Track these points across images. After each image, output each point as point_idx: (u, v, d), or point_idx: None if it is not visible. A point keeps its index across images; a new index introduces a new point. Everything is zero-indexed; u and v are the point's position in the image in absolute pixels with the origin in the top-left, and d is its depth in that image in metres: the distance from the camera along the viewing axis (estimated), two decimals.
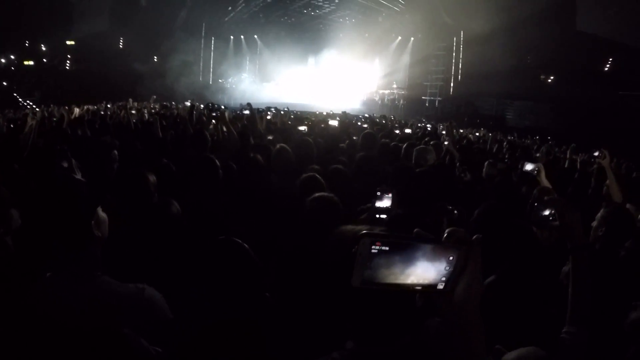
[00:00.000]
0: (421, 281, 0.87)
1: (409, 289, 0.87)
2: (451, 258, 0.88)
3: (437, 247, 0.88)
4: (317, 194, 2.56)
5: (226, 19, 30.16)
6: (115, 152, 3.72)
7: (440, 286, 0.90)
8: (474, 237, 0.91)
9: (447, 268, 0.89)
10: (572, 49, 23.61)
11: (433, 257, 0.87)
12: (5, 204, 2.21)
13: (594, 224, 3.06)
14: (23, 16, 25.19)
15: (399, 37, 30.15)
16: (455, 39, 26.75)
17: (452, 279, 0.90)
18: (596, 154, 4.44)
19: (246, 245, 1.72)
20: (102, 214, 1.68)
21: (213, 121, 7.09)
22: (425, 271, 0.87)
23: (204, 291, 1.65)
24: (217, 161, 3.48)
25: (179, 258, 2.07)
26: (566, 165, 7.09)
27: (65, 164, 3.09)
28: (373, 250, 0.83)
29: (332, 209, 2.47)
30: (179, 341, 1.56)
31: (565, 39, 23.79)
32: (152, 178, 2.75)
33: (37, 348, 1.48)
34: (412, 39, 29.42)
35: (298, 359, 1.46)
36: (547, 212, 1.87)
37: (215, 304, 1.61)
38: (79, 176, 2.70)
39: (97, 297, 1.59)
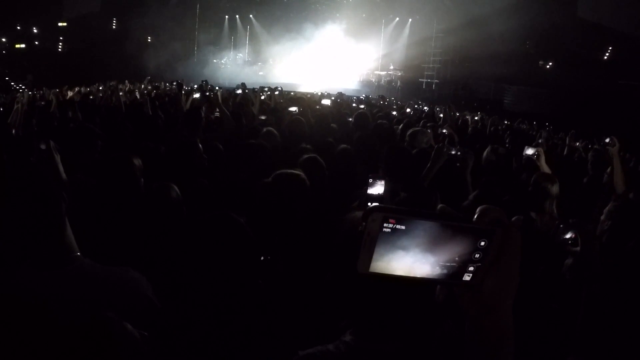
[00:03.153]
0: (443, 271, 0.70)
1: (427, 281, 0.70)
2: (482, 243, 0.70)
3: (466, 228, 0.70)
4: (280, 171, 2.46)
5: None
6: (99, 142, 3.60)
7: (467, 278, 0.72)
8: (514, 218, 0.75)
9: (477, 256, 0.71)
10: (572, 36, 23.51)
11: (460, 240, 0.69)
12: None
13: (602, 217, 2.98)
14: None
15: (397, 18, 29.80)
16: (454, 21, 26.47)
17: (482, 269, 0.72)
18: (607, 140, 4.37)
19: (242, 220, 1.60)
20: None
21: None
22: (449, 258, 0.70)
23: (196, 272, 1.55)
24: (200, 145, 3.36)
25: (173, 241, 1.98)
26: (565, 152, 7.02)
27: (44, 146, 2.97)
28: (385, 230, 0.67)
29: (297, 186, 2.39)
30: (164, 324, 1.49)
31: (565, 25, 23.67)
32: (137, 162, 2.66)
33: (15, 336, 1.40)
34: (410, 20, 29.10)
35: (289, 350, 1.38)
36: (568, 236, 1.79)
37: (206, 285, 1.51)
38: (57, 158, 2.61)
39: (77, 279, 1.55)
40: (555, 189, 3.44)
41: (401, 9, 29.06)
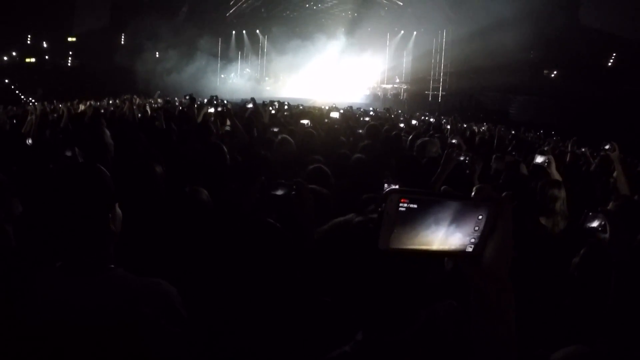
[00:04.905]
0: (449, 243, 0.81)
1: (436, 253, 0.82)
2: (480, 217, 0.82)
3: (466, 204, 0.81)
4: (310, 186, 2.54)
5: (228, 14, 30.11)
6: (109, 137, 3.67)
7: (469, 249, 0.83)
8: (504, 193, 0.84)
9: (477, 229, 0.82)
10: (575, 44, 23.51)
11: (462, 216, 0.81)
12: (4, 189, 2.16)
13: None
14: (24, 13, 25.18)
15: (402, 31, 30.05)
16: (458, 32, 26.65)
17: (481, 241, 0.83)
18: (607, 147, 4.41)
19: (279, 225, 1.67)
20: (118, 209, 1.64)
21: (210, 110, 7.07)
22: (453, 232, 0.81)
23: (233, 276, 1.59)
24: (224, 147, 3.45)
25: (205, 247, 2.03)
26: (567, 159, 7.04)
27: (69, 153, 3.06)
28: (401, 209, 0.77)
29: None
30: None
31: (568, 33, 23.68)
32: (158, 169, 2.71)
33: (44, 338, 1.45)
34: (415, 32, 29.32)
35: (310, 352, 1.42)
36: (596, 223, 1.85)
37: (244, 289, 1.56)
38: None
39: (109, 288, 1.54)
40: (562, 192, 3.51)
41: (406, 22, 29.33)
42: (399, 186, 2.41)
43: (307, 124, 6.06)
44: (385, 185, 2.37)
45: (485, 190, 0.83)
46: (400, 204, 0.77)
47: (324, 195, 2.53)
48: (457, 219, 0.81)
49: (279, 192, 2.04)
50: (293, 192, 1.98)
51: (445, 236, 0.81)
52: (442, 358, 1.11)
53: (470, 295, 0.87)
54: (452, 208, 0.80)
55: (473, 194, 0.83)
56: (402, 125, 10.32)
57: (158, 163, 2.72)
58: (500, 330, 0.86)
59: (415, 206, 0.78)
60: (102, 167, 1.62)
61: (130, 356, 1.45)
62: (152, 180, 2.59)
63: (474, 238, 0.83)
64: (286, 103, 11.26)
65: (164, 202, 2.46)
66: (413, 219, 0.78)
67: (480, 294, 0.86)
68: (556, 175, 4.18)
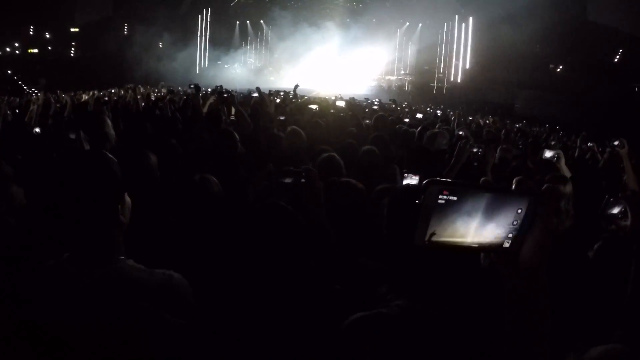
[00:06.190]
0: (486, 237, 0.78)
1: (472, 248, 0.78)
2: (519, 211, 0.78)
3: (506, 197, 0.78)
4: (342, 179, 2.51)
5: (232, 3, 29.97)
6: (111, 128, 3.64)
7: (507, 244, 0.79)
8: (545, 186, 0.82)
9: (515, 223, 0.78)
10: (582, 39, 23.36)
11: (501, 209, 0.77)
12: (7, 180, 2.11)
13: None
14: (27, 4, 25.13)
15: (407, 23, 29.89)
16: (464, 26, 26.51)
17: (519, 236, 0.79)
18: (616, 143, 4.36)
19: (291, 208, 1.63)
20: (127, 198, 1.60)
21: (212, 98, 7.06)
22: (491, 226, 0.77)
23: (249, 261, 1.56)
24: (236, 134, 3.42)
25: (216, 235, 1.99)
26: (576, 154, 7.00)
27: (73, 136, 3.03)
28: (440, 201, 0.73)
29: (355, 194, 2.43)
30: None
31: (575, 28, 23.52)
32: (153, 157, 2.67)
33: (50, 330, 1.41)
34: (420, 24, 29.17)
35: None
36: (617, 210, 1.79)
37: (260, 273, 1.53)
38: (87, 148, 2.63)
39: (119, 280, 1.50)
40: (568, 188, 3.46)
41: (411, 14, 29.14)
42: (420, 177, 2.37)
43: (315, 109, 6.03)
44: (405, 174, 2.30)
45: (525, 183, 0.80)
46: (440, 196, 0.74)
47: (359, 189, 2.49)
48: (496, 212, 0.77)
49: (288, 180, 2.01)
50: (302, 180, 1.94)
51: (482, 230, 0.77)
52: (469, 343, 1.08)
53: (504, 293, 0.83)
54: (492, 200, 0.76)
55: (514, 186, 0.81)
56: (407, 120, 10.24)
57: (153, 152, 2.67)
58: (536, 329, 0.82)
59: (455, 198, 0.74)
60: (110, 155, 1.58)
61: (131, 352, 1.42)
62: (145, 169, 2.53)
63: (511, 232, 0.79)
64: (291, 92, 11.19)
65: (158, 191, 2.43)
66: (452, 213, 0.75)
67: (515, 292, 0.82)
68: (565, 171, 4.13)
